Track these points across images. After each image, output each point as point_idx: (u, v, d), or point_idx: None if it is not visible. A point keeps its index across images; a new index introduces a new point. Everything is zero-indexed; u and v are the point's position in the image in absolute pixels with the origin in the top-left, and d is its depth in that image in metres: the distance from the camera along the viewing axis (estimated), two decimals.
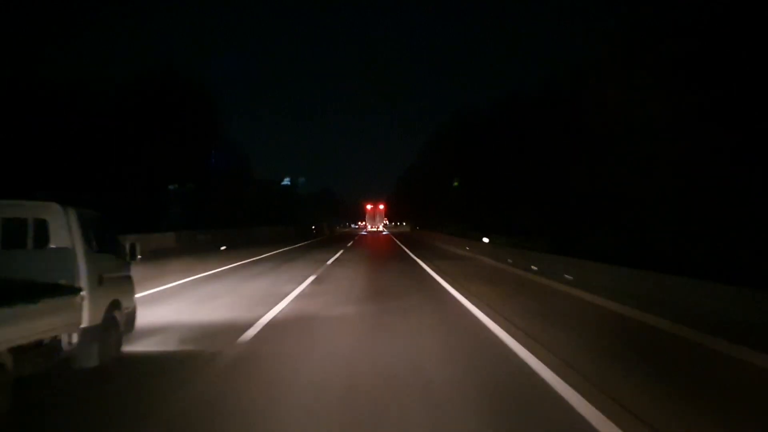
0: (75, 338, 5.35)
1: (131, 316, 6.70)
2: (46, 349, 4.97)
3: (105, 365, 5.70)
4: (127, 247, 6.62)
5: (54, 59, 28.04)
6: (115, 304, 6.10)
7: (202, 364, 5.95)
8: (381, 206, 79.21)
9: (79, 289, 5.38)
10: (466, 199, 41.40)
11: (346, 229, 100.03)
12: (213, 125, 41.16)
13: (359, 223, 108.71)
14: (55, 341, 5.13)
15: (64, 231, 5.44)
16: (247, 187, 57.07)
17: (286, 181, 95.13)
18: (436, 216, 54.90)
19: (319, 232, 64.14)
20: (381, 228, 78.35)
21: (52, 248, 5.45)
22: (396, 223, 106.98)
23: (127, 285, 6.67)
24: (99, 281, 5.71)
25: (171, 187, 42.00)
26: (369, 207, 79.66)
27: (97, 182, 26.39)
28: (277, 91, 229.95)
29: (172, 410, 4.54)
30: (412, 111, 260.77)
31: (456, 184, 48.00)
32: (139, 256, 6.71)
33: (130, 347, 6.57)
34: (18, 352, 4.49)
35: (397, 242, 41.88)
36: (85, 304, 5.43)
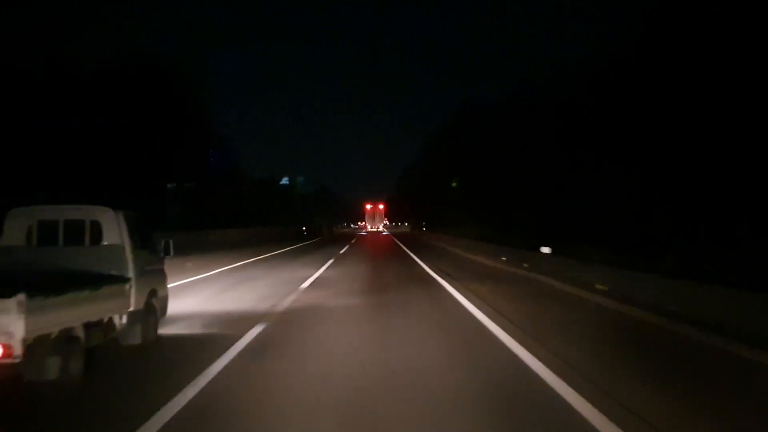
0: (124, 319, 6.43)
1: (164, 303, 7.78)
2: (104, 327, 6.04)
3: (146, 343, 6.81)
4: (162, 244, 7.71)
5: (46, 50, 28.33)
6: (153, 293, 7.18)
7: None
8: (381, 206, 78.82)
9: (128, 279, 6.47)
10: (479, 197, 37.15)
11: (346, 230, 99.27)
12: (203, 121, 40.57)
13: (359, 223, 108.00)
14: (111, 321, 6.22)
15: (115, 230, 6.52)
16: (246, 186, 57.38)
17: (285, 181, 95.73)
18: (438, 216, 52.76)
19: (315, 233, 60.97)
20: (381, 228, 77.80)
21: (105, 245, 6.53)
22: (397, 224, 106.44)
23: (162, 276, 7.75)
24: (141, 273, 6.79)
25: (170, 186, 42.20)
26: (369, 207, 79.30)
27: (96, 181, 26.48)
28: (276, 91, 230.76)
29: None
30: (413, 110, 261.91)
31: (454, 184, 46.60)
32: (171, 253, 7.81)
33: (162, 330, 7.67)
34: (87, 327, 5.58)
35: (404, 248, 33.21)
36: (132, 292, 6.50)
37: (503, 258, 20.09)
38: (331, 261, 21.90)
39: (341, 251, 29.65)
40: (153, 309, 7.14)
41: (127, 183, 29.36)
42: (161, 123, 32.94)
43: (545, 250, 17.14)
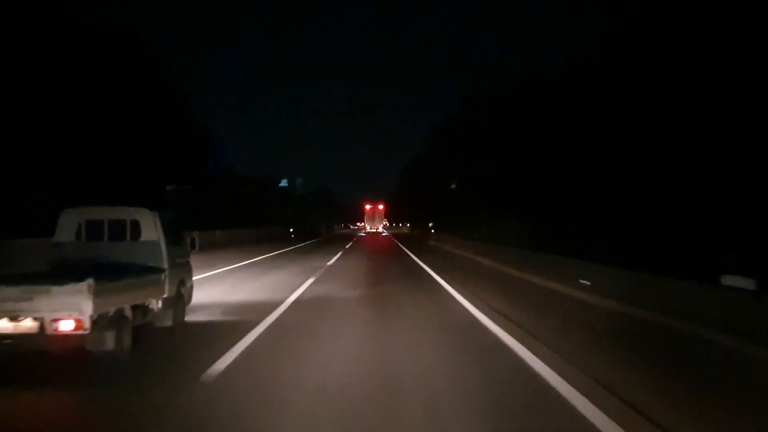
0: (159, 304, 7.50)
1: (190, 292, 8.85)
2: (144, 311, 7.13)
3: (175, 326, 7.90)
4: (189, 240, 8.80)
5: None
6: (182, 282, 8.25)
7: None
8: (380, 206, 77.06)
9: (163, 270, 7.54)
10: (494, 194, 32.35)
11: (344, 230, 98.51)
12: (191, 123, 39.05)
13: (358, 224, 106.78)
14: (148, 306, 7.30)
15: (152, 229, 7.59)
16: (245, 188, 57.50)
17: (284, 183, 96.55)
18: (446, 214, 48.17)
19: (310, 234, 57.48)
20: (380, 229, 76.06)
21: (143, 240, 7.60)
22: (399, 224, 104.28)
23: (189, 268, 8.83)
24: (173, 265, 7.85)
25: (168, 188, 42.25)
26: (368, 207, 77.19)
27: (96, 183, 26.49)
28: (273, 90, 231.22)
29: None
30: (413, 109, 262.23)
31: (453, 186, 44.71)
32: (197, 248, 8.90)
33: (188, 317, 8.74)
34: (133, 309, 6.67)
35: (417, 260, 23.29)
36: (166, 281, 7.59)
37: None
38: (310, 281, 14.87)
39: (329, 261, 22.24)
40: (182, 296, 8.23)
41: (127, 184, 29.36)
42: (146, 124, 31.91)
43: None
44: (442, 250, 33.40)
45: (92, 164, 27.74)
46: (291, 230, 56.52)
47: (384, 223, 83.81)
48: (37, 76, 25.43)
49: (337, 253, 27.85)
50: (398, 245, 38.89)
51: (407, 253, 28.91)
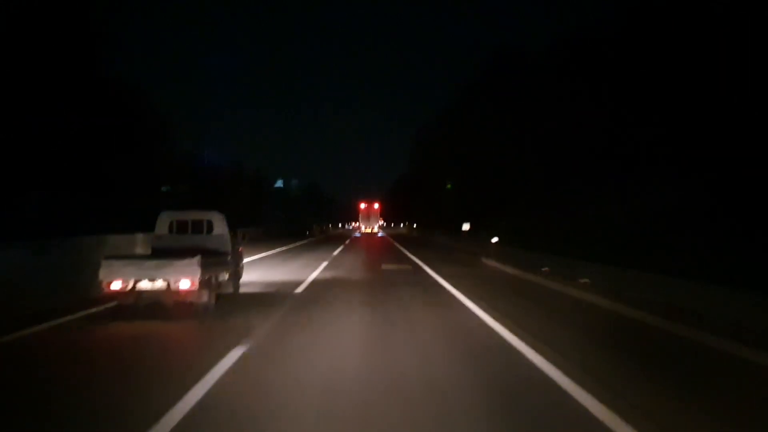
0: (225, 277, 11.01)
1: (242, 271, 12.44)
2: (218, 281, 10.65)
3: (234, 293, 11.44)
4: (240, 235, 12.35)
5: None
6: (237, 263, 11.82)
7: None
8: (376, 205, 72.35)
9: (228, 253, 11.08)
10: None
11: (338, 231, 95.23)
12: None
13: (353, 224, 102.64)
14: (220, 278, 10.81)
15: (221, 225, 11.13)
16: (241, 188, 59.23)
17: (279, 183, 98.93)
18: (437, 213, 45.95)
19: (298, 234, 54.89)
20: (376, 229, 71.09)
21: (215, 234, 11.13)
22: (403, 224, 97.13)
23: (241, 254, 12.40)
24: (233, 251, 11.40)
25: (164, 188, 43.50)
26: (362, 206, 72.21)
27: (92, 183, 26.80)
28: (265, 88, 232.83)
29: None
30: (407, 108, 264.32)
31: (449, 186, 43.71)
32: (246, 240, 12.45)
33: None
34: (215, 278, 10.20)
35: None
36: (229, 261, 11.12)
37: None
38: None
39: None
40: (237, 273, 11.78)
41: (123, 185, 29.72)
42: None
43: None
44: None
45: (87, 165, 27.29)
46: (240, 233, 51.83)
47: (380, 222, 79.85)
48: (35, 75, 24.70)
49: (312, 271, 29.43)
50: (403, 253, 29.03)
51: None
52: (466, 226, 33.15)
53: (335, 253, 27.43)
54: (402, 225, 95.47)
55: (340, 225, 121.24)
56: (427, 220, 58.58)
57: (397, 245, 37.67)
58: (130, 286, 8.92)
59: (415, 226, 74.30)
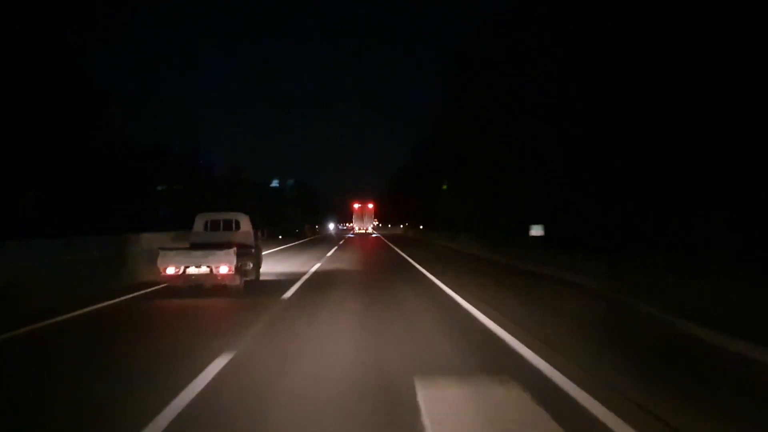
0: (250, 266, 13.65)
1: (261, 261, 15.09)
2: (246, 269, 13.26)
3: (256, 279, 14.08)
4: (260, 231, 14.97)
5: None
6: (258, 255, 14.49)
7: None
8: (370, 205, 70.81)
9: (253, 247, 13.74)
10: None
11: (330, 232, 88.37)
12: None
13: (347, 224, 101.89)
14: (246, 266, 13.41)
15: (246, 224, 13.85)
16: (236, 187, 58.99)
17: (275, 183, 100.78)
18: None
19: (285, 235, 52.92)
20: (370, 230, 70.38)
21: (242, 231, 13.82)
22: (404, 225, 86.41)
23: (260, 248, 15.05)
24: (256, 245, 14.05)
25: (159, 188, 43.98)
26: (356, 206, 70.80)
27: (86, 182, 27.13)
28: (255, 87, 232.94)
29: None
30: (402, 107, 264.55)
31: (444, 187, 42.39)
32: (265, 236, 15.08)
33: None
34: (244, 266, 12.84)
35: None
36: (253, 253, 13.76)
37: None
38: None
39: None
40: (259, 263, 14.43)
41: (118, 185, 30.18)
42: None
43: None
44: None
45: (83, 165, 27.73)
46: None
47: (374, 223, 78.35)
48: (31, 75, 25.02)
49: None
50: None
51: None
52: (538, 230, 21.01)
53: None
54: (401, 225, 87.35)
55: (330, 226, 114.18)
56: (424, 220, 55.62)
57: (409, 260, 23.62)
58: (181, 271, 11.53)
59: (421, 227, 61.50)
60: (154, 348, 7.27)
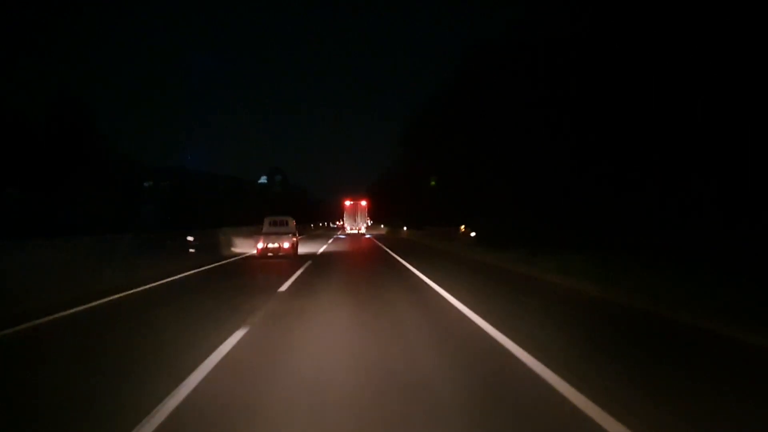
0: (296, 245, 25.15)
1: (298, 244, 26.65)
2: (296, 247, 24.77)
3: (295, 256, 25.62)
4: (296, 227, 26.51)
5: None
6: (297, 240, 26.06)
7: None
8: (363, 202, 63.01)
9: (296, 235, 25.38)
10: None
11: (318, 230, 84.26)
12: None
13: (337, 222, 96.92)
14: (296, 246, 24.87)
15: (292, 222, 26.32)
16: (221, 184, 64.09)
17: (263, 180, 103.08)
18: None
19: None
20: (363, 230, 62.52)
21: (290, 226, 26.16)
22: (403, 225, 72.12)
23: (297, 236, 26.60)
24: (296, 234, 25.57)
25: (146, 184, 45.11)
26: (348, 204, 62.73)
27: (71, 179, 27.95)
28: (248, 85, 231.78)
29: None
30: (390, 105, 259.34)
31: (433, 183, 41.74)
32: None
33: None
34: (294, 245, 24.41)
35: None
36: (296, 239, 25.26)
37: None
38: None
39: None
40: (297, 244, 26.09)
41: (102, 180, 30.49)
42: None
43: None
44: None
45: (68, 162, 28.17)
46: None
47: (368, 222, 69.74)
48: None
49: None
50: None
51: None
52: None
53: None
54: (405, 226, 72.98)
55: (322, 224, 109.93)
56: (417, 218, 50.98)
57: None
58: (266, 246, 22.96)
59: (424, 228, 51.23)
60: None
